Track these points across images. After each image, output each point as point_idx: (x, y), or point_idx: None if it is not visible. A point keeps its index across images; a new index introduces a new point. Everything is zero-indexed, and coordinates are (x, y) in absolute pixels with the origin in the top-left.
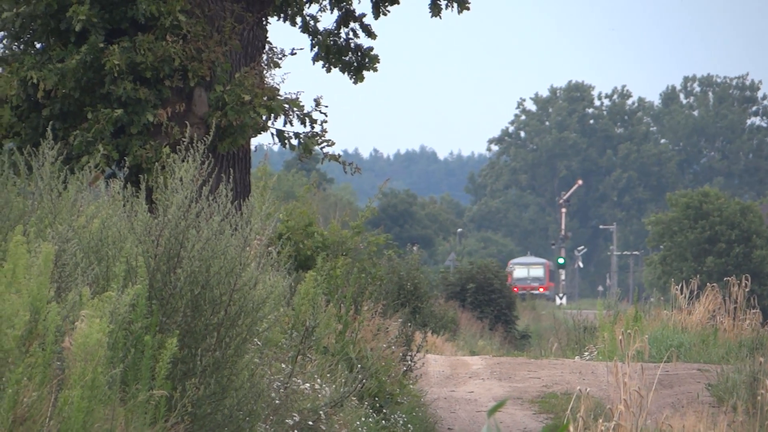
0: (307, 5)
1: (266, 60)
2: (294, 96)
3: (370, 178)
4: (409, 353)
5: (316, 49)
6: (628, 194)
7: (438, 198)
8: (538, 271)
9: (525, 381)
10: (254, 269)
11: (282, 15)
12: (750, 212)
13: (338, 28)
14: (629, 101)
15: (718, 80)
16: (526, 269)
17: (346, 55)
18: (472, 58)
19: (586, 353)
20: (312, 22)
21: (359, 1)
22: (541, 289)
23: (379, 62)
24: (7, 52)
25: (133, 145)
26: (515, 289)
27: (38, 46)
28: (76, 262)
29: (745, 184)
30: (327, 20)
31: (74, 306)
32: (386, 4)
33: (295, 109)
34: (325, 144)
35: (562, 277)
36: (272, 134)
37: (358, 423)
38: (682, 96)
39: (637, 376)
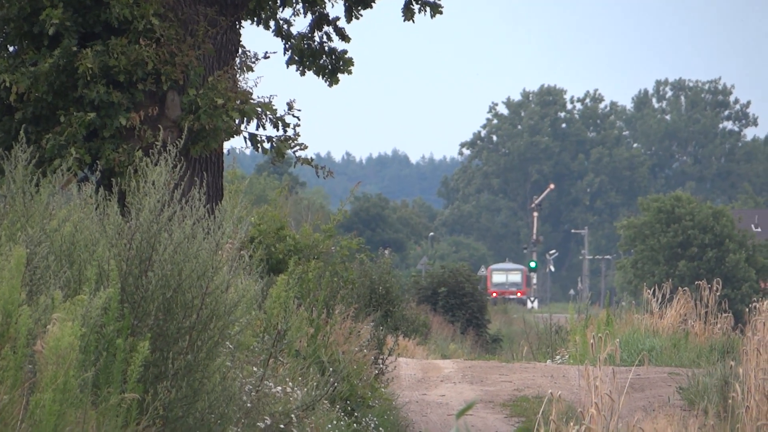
0: (281, 9)
1: (239, 63)
2: (267, 100)
3: (343, 181)
4: (381, 357)
5: (289, 53)
6: (600, 198)
7: (410, 202)
8: (516, 277)
9: (497, 384)
10: (226, 273)
11: (255, 19)
12: (722, 216)
13: (312, 31)
14: (601, 105)
15: (690, 84)
16: (504, 275)
17: (320, 59)
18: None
19: (558, 357)
20: (285, 26)
21: (332, 5)
22: (519, 294)
23: (353, 65)
24: None
25: (105, 148)
26: (494, 293)
27: (11, 49)
28: (47, 265)
29: (717, 188)
30: (300, 24)
31: (46, 309)
32: (359, 7)
33: (267, 112)
34: (297, 148)
35: (534, 280)
36: (245, 138)
37: (329, 426)
38: (654, 100)
39: (608, 379)
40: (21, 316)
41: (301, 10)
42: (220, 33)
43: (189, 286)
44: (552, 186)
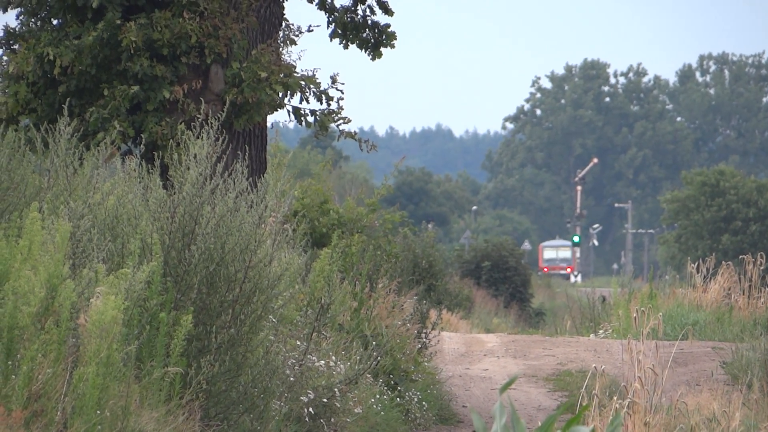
0: None
1: (283, 37)
2: (310, 73)
3: (386, 155)
4: (424, 331)
5: (332, 26)
6: (643, 172)
7: (454, 176)
8: (566, 253)
9: (540, 359)
10: (269, 246)
11: None
12: (766, 190)
13: (355, 5)
14: (645, 79)
15: (734, 58)
16: (555, 251)
17: (363, 32)
18: (487, 36)
19: (601, 331)
20: None
21: None
22: (569, 270)
23: (396, 39)
24: (23, 28)
25: (148, 121)
26: (545, 269)
27: (55, 22)
28: (90, 239)
29: (760, 162)
30: None
31: (89, 283)
32: None
33: (311, 86)
34: (341, 121)
35: (577, 255)
36: (288, 111)
37: (372, 400)
38: (698, 74)
39: (651, 354)
40: (65, 290)
41: None
42: (263, 6)
43: (232, 259)
44: (595, 160)
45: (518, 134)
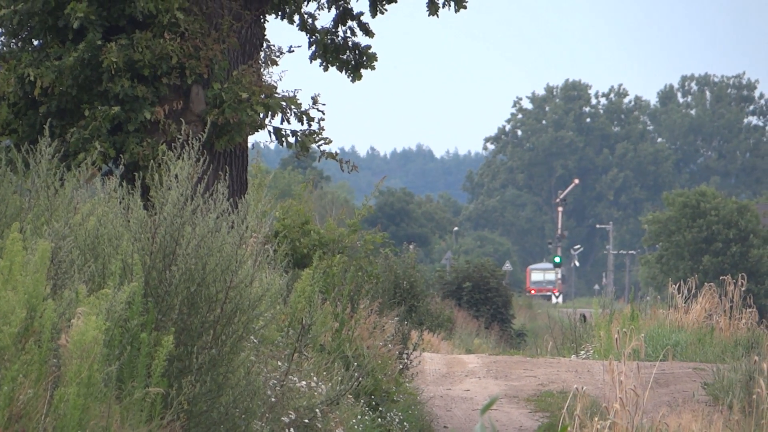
0: (305, 3)
1: (264, 58)
2: (291, 94)
3: (367, 176)
4: (406, 351)
5: (313, 48)
6: (624, 193)
7: (435, 196)
8: (552, 275)
9: (521, 379)
10: (250, 267)
11: (280, 13)
12: (747, 211)
13: (336, 26)
14: (626, 100)
15: (716, 79)
16: (542, 273)
17: (343, 54)
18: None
19: (582, 352)
20: (310, 20)
21: (357, 0)
22: (555, 292)
23: (376, 60)
24: (4, 49)
25: (129, 142)
26: (533, 290)
27: (36, 43)
28: (72, 260)
29: (741, 183)
30: (325, 18)
31: (70, 303)
32: (384, 2)
33: (292, 106)
34: (322, 142)
35: (559, 276)
36: (269, 132)
37: (354, 421)
38: (679, 95)
39: (633, 374)
40: (45, 310)
41: (326, 5)
42: (244, 27)
43: (213, 280)
44: (576, 181)
45: (499, 155)
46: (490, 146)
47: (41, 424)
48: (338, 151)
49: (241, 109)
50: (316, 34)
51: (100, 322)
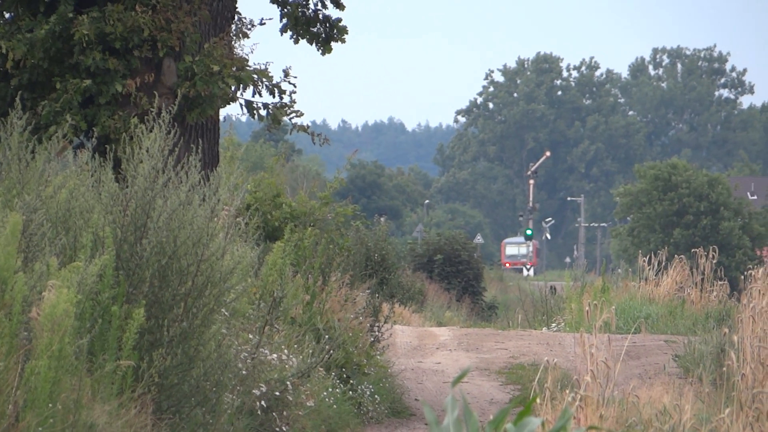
0: None
1: (235, 30)
2: (263, 67)
3: (339, 149)
4: (377, 324)
5: (284, 20)
6: (595, 166)
7: (406, 169)
8: (527, 249)
9: (492, 352)
10: (222, 240)
11: None
12: (718, 184)
13: None
14: (597, 73)
15: (687, 52)
16: (516, 247)
17: (314, 26)
18: (440, 29)
19: (554, 324)
20: None
21: None
22: (530, 265)
23: (347, 33)
24: None
25: (101, 115)
26: (507, 264)
27: (7, 15)
28: (43, 232)
29: (713, 156)
30: None
31: (41, 276)
32: None
33: (263, 79)
34: (293, 115)
35: (530, 250)
36: (241, 105)
37: (325, 393)
38: (650, 68)
39: (604, 347)
40: (16, 283)
41: None
42: (215, 0)
43: (184, 253)
44: (548, 153)
45: (471, 128)
46: (462, 119)
47: (12, 397)
48: (310, 124)
49: (213, 82)
50: (288, 7)
51: (71, 295)
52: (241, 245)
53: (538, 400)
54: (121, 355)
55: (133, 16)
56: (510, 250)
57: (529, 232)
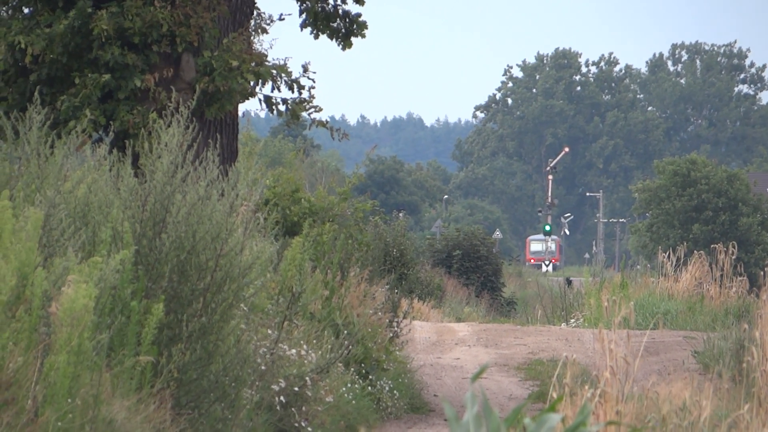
0: None
1: (254, 26)
2: (282, 62)
3: (357, 144)
4: (396, 320)
5: (304, 15)
6: (614, 161)
7: (425, 165)
8: (551, 245)
9: (511, 348)
10: (240, 235)
11: None
12: (737, 180)
13: None
14: (616, 68)
15: (706, 48)
16: (541, 244)
17: (334, 22)
18: (459, 25)
19: (572, 320)
20: None
21: None
22: (554, 261)
23: (367, 29)
24: None
25: (120, 110)
26: (532, 260)
27: (26, 10)
28: (63, 228)
29: (731, 151)
30: None
31: (61, 271)
32: None
33: (282, 74)
34: (312, 110)
35: (552, 246)
36: (260, 100)
37: (344, 389)
38: (669, 63)
39: (623, 343)
40: (36, 278)
41: None
42: None
43: (203, 247)
44: (566, 149)
45: (489, 123)
46: (480, 114)
47: (31, 392)
48: (328, 120)
49: (232, 77)
50: (307, 2)
51: (90, 290)
52: (259, 240)
53: (562, 399)
54: (140, 350)
55: (152, 12)
56: (534, 246)
57: (547, 227)
